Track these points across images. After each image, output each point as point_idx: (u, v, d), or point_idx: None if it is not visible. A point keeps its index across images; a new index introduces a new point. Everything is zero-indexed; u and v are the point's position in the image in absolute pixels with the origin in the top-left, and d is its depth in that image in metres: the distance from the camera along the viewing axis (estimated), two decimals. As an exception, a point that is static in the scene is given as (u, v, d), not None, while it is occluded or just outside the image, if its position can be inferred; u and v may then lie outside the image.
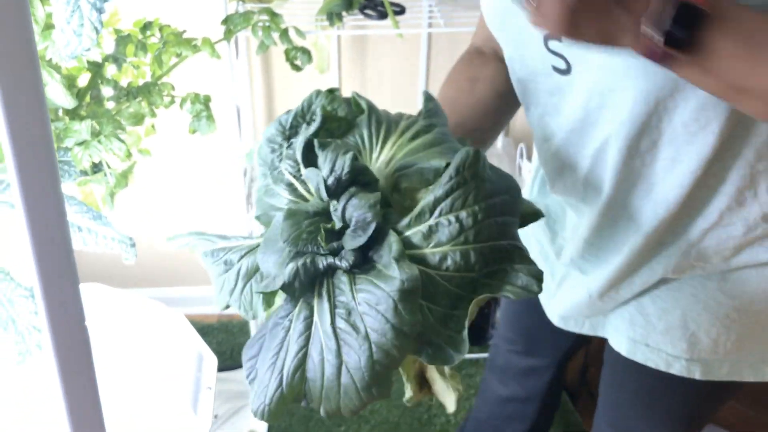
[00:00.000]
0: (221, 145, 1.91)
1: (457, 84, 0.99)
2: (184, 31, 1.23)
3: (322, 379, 0.59)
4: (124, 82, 1.21)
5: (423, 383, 0.74)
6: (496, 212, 0.62)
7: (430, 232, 0.61)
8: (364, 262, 0.61)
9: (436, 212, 0.61)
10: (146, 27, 1.28)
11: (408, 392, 0.73)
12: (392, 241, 0.60)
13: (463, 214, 0.61)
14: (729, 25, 0.61)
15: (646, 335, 0.97)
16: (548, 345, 1.30)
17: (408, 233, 0.62)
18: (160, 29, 1.29)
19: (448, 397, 0.73)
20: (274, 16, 1.25)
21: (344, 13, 1.51)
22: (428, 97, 0.76)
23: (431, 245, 0.61)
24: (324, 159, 0.65)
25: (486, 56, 1.01)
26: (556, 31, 0.63)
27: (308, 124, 0.71)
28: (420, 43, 1.94)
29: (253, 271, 0.70)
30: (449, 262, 0.60)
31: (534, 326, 1.19)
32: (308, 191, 0.69)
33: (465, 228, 0.61)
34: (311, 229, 0.63)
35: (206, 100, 1.19)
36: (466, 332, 0.61)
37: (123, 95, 1.12)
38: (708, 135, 0.78)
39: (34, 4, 0.75)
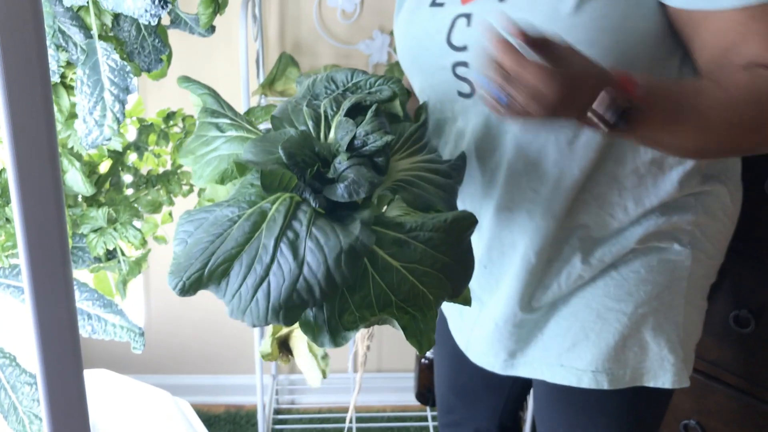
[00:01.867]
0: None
1: None
2: (206, 122, 1.26)
3: (242, 282, 0.61)
4: (144, 170, 1.23)
5: (283, 349, 0.80)
6: (447, 273, 0.68)
7: (399, 242, 0.66)
8: (328, 213, 0.66)
9: (414, 234, 0.66)
10: (169, 117, 1.31)
11: (266, 347, 0.78)
12: (368, 211, 0.65)
13: (429, 252, 0.66)
14: (654, 110, 0.74)
15: (558, 357, 1.01)
16: (483, 404, 1.30)
17: (382, 228, 0.66)
18: (183, 119, 1.32)
19: (311, 373, 0.79)
20: (294, 109, 1.28)
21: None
22: (461, 155, 0.86)
23: (389, 252, 0.65)
24: (369, 122, 0.72)
25: None
26: (520, 121, 0.72)
27: (369, 93, 0.81)
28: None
29: (237, 147, 0.76)
30: (390, 274, 0.65)
31: (468, 381, 1.20)
32: (326, 136, 0.75)
33: (421, 263, 0.66)
34: (308, 159, 0.68)
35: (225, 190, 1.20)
36: (351, 334, 0.66)
37: (142, 183, 1.13)
38: (589, 151, 0.88)
39: (59, 93, 0.77)
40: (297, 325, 0.77)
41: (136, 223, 1.08)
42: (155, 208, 1.05)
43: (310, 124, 0.77)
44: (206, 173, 0.78)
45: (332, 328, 0.65)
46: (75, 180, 0.83)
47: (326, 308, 0.65)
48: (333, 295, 0.63)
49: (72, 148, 0.81)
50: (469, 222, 0.70)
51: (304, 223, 0.63)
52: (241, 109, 1.45)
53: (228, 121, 0.79)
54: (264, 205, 0.65)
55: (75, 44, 0.71)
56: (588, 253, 0.96)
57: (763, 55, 0.77)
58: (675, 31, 0.84)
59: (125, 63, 0.71)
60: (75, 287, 0.84)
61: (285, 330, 0.81)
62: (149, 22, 0.67)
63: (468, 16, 0.90)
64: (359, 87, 0.82)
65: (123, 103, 0.71)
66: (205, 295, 0.68)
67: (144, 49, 0.78)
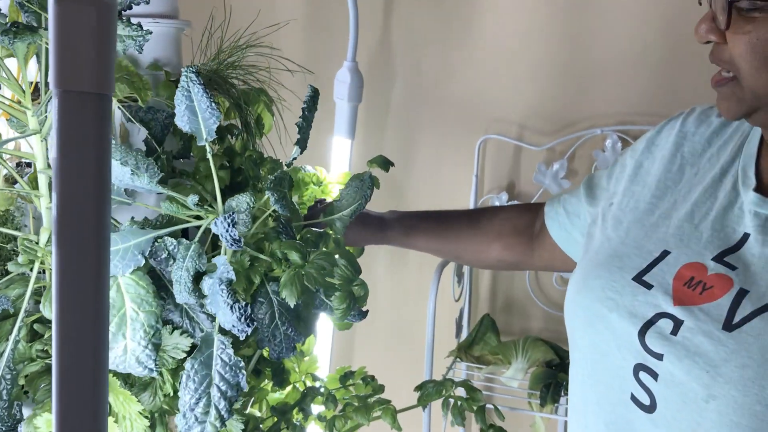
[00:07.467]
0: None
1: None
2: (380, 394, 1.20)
3: None
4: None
5: None
6: None
7: None
8: None
9: None
10: (347, 376, 1.27)
11: None
12: None
13: None
14: None
15: None
16: None
17: None
18: (363, 380, 1.26)
19: None
20: (472, 391, 1.17)
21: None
22: None
23: None
24: None
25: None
26: None
27: None
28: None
29: None
30: None
31: None
32: None
33: None
34: None
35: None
36: None
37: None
38: None
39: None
40: None
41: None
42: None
43: None
44: None
45: None
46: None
47: None
48: None
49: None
50: None
51: None
52: (422, 377, 1.38)
53: None
54: None
55: (201, 329, 0.70)
56: None
57: None
58: None
59: (239, 359, 0.67)
60: None
61: None
62: (239, 336, 0.65)
63: (677, 323, 0.74)
64: None
65: (230, 400, 0.67)
66: None
67: (275, 337, 0.74)
